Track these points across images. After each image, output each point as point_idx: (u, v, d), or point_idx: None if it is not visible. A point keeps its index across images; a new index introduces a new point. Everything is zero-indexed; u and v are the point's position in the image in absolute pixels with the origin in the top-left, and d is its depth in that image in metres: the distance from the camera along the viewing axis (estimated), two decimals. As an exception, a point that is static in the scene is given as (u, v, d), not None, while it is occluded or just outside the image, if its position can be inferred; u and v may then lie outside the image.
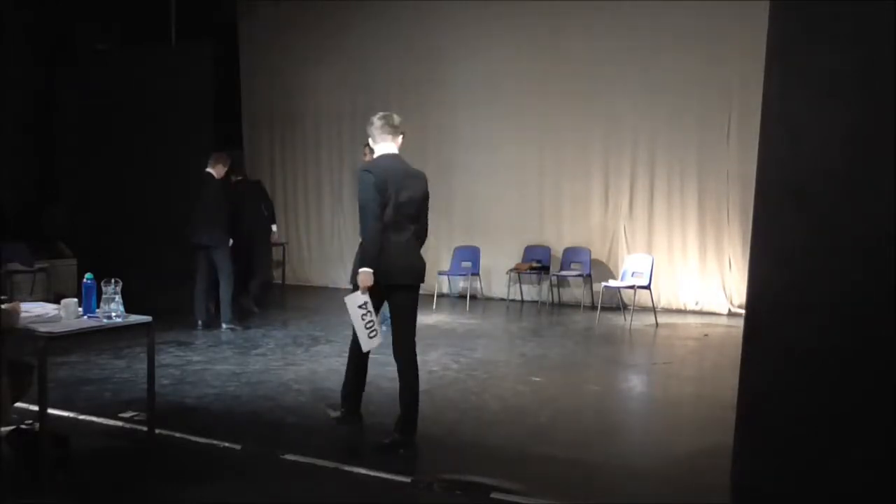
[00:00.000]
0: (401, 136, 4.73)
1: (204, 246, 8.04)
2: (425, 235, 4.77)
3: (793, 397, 3.60)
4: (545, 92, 9.96)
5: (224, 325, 8.03)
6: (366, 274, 4.44)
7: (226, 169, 8.29)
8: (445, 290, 10.43)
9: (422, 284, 4.73)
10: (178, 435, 4.74)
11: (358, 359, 4.77)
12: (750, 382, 3.86)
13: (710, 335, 8.27)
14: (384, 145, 4.69)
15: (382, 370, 6.43)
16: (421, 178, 4.70)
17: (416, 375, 4.66)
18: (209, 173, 8.15)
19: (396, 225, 4.53)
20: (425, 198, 4.70)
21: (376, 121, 4.70)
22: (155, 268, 8.94)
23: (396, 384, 4.78)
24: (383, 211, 4.48)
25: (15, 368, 4.10)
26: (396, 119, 4.71)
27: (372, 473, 4.16)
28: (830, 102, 3.49)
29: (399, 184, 4.54)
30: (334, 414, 4.97)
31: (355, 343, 4.66)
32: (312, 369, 6.51)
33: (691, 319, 9.13)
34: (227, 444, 4.59)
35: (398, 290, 4.59)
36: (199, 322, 8.07)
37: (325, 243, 11.73)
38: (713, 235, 9.45)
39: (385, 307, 4.77)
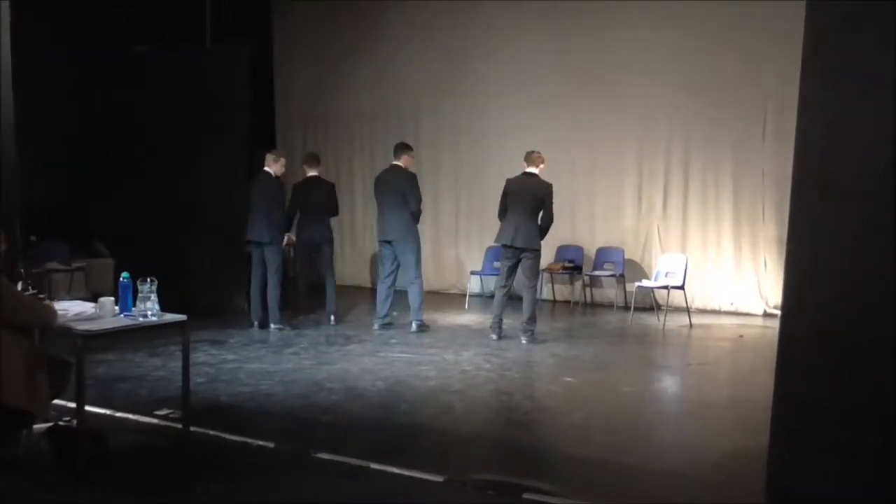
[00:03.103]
0: (407, 154, 7.99)
1: (257, 243, 8.03)
2: (416, 209, 7.90)
3: (830, 400, 3.54)
4: (577, 90, 9.87)
5: (273, 326, 7.99)
6: None
7: (283, 168, 8.23)
8: (477, 289, 10.41)
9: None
10: (212, 432, 4.78)
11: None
12: (786, 384, 3.81)
13: (746, 336, 8.16)
14: (395, 161, 8.00)
15: (415, 370, 6.46)
16: (398, 178, 7.87)
17: (420, 286, 7.97)
18: (267, 172, 8.12)
19: (384, 206, 7.95)
20: (399, 187, 7.80)
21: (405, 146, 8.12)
22: (189, 267, 9.02)
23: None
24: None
25: (53, 366, 4.18)
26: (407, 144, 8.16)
27: (404, 472, 4.15)
28: (868, 100, 3.43)
29: (383, 184, 7.97)
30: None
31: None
32: (345, 368, 6.53)
33: (726, 320, 9.01)
34: (260, 442, 4.62)
35: (394, 243, 7.89)
36: (255, 322, 8.09)
37: (358, 242, 11.76)
38: (748, 235, 9.30)
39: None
